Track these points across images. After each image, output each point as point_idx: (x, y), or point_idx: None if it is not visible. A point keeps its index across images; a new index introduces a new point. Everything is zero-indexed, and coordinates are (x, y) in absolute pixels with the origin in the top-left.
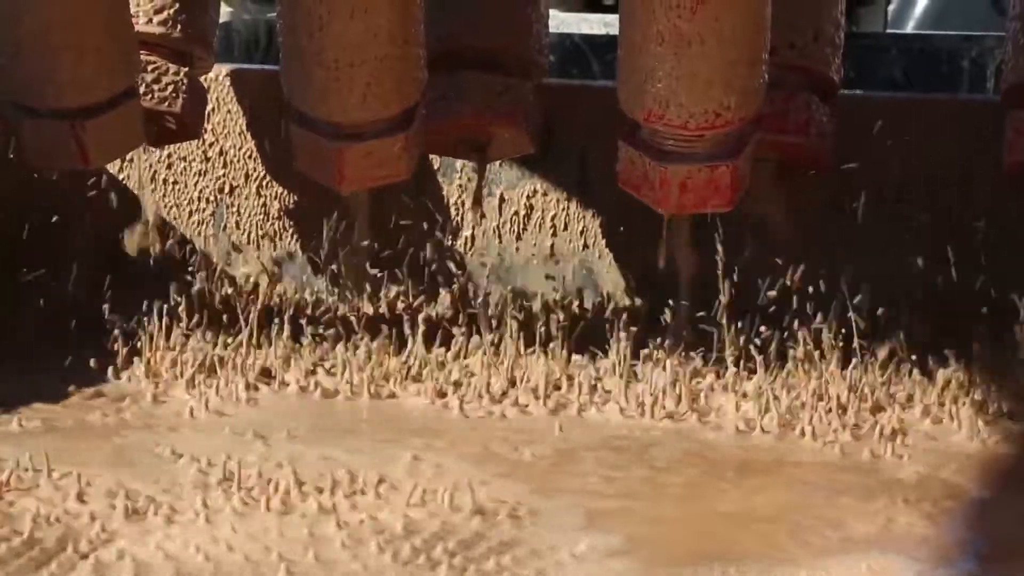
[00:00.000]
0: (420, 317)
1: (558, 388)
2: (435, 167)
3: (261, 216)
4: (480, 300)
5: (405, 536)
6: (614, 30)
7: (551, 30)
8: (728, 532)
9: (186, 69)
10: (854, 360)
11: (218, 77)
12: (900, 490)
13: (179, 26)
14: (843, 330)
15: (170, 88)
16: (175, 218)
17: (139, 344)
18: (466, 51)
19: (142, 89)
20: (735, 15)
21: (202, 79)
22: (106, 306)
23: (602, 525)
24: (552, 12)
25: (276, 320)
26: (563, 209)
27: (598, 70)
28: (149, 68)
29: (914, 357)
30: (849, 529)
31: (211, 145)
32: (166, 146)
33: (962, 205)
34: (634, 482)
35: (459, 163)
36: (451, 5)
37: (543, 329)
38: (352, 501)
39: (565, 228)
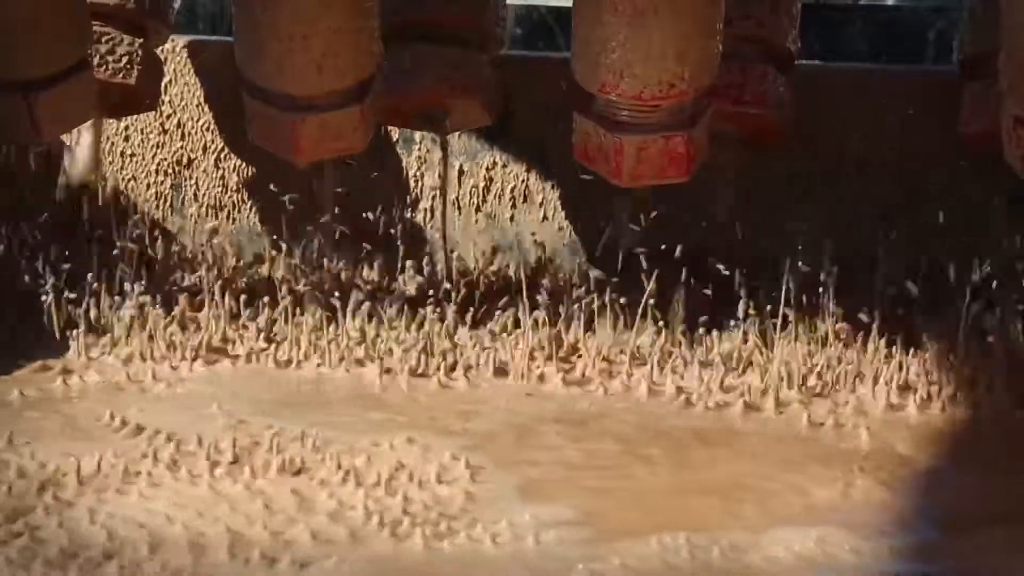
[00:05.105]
0: (378, 290)
1: (516, 360)
2: (394, 139)
3: (219, 188)
4: (436, 272)
5: (355, 508)
6: None
7: (519, 2)
8: (681, 502)
9: (141, 40)
10: (811, 333)
11: (175, 48)
12: (855, 461)
13: None
14: (801, 303)
15: (125, 60)
16: (132, 190)
17: (92, 316)
18: (423, 24)
19: (96, 61)
20: None
21: (158, 50)
22: (61, 278)
23: (554, 496)
24: None
25: (233, 292)
26: (522, 181)
27: (563, 42)
28: (103, 40)
29: (870, 331)
30: (808, 498)
31: (168, 117)
32: (123, 118)
33: (924, 176)
34: (586, 454)
35: (418, 135)
36: None
37: (502, 301)
38: (303, 473)
39: (525, 200)
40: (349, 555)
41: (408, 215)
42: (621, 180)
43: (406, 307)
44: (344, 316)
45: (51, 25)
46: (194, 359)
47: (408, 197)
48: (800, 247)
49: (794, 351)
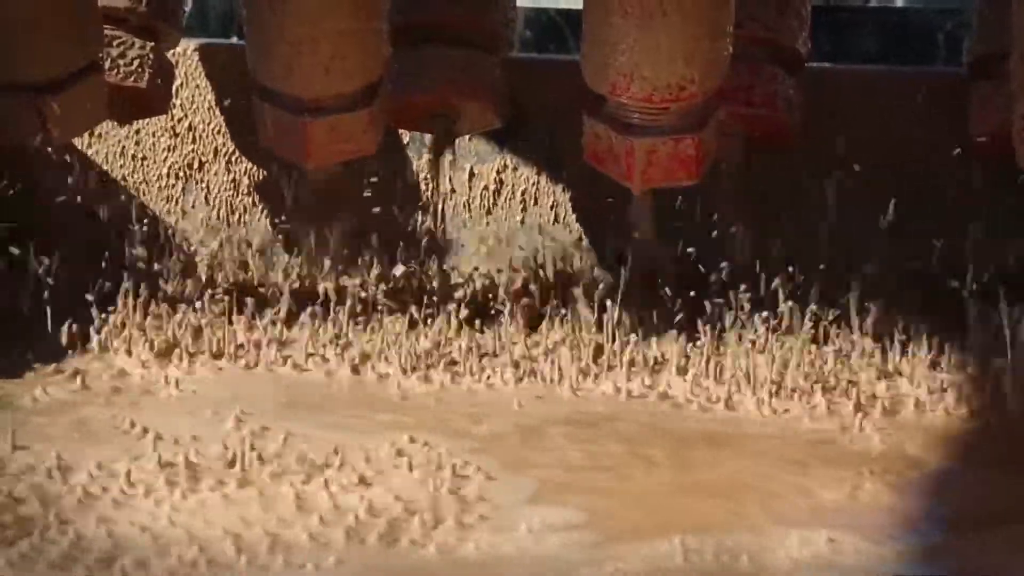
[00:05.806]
0: (389, 292)
1: (525, 362)
2: (404, 142)
3: (230, 191)
4: (446, 274)
5: (368, 516)
6: None
7: (529, 5)
8: (689, 504)
9: (152, 44)
10: (819, 334)
11: (186, 52)
12: (864, 462)
13: (145, 0)
14: (806, 305)
15: (136, 63)
16: (144, 193)
17: (103, 319)
18: (430, 25)
19: (107, 64)
20: None
21: (169, 54)
22: (73, 282)
23: (563, 499)
24: None
25: (242, 295)
26: (533, 184)
27: (574, 45)
28: (115, 43)
29: (877, 332)
30: (816, 498)
31: (180, 120)
32: (134, 122)
33: (931, 177)
34: (594, 456)
35: (428, 138)
36: None
37: (509, 303)
38: (312, 479)
39: (535, 202)
40: (349, 556)
41: (419, 217)
42: (632, 182)
43: (416, 309)
44: (352, 318)
45: (61, 27)
46: (203, 362)
47: (418, 199)
48: (805, 248)
49: (803, 353)
